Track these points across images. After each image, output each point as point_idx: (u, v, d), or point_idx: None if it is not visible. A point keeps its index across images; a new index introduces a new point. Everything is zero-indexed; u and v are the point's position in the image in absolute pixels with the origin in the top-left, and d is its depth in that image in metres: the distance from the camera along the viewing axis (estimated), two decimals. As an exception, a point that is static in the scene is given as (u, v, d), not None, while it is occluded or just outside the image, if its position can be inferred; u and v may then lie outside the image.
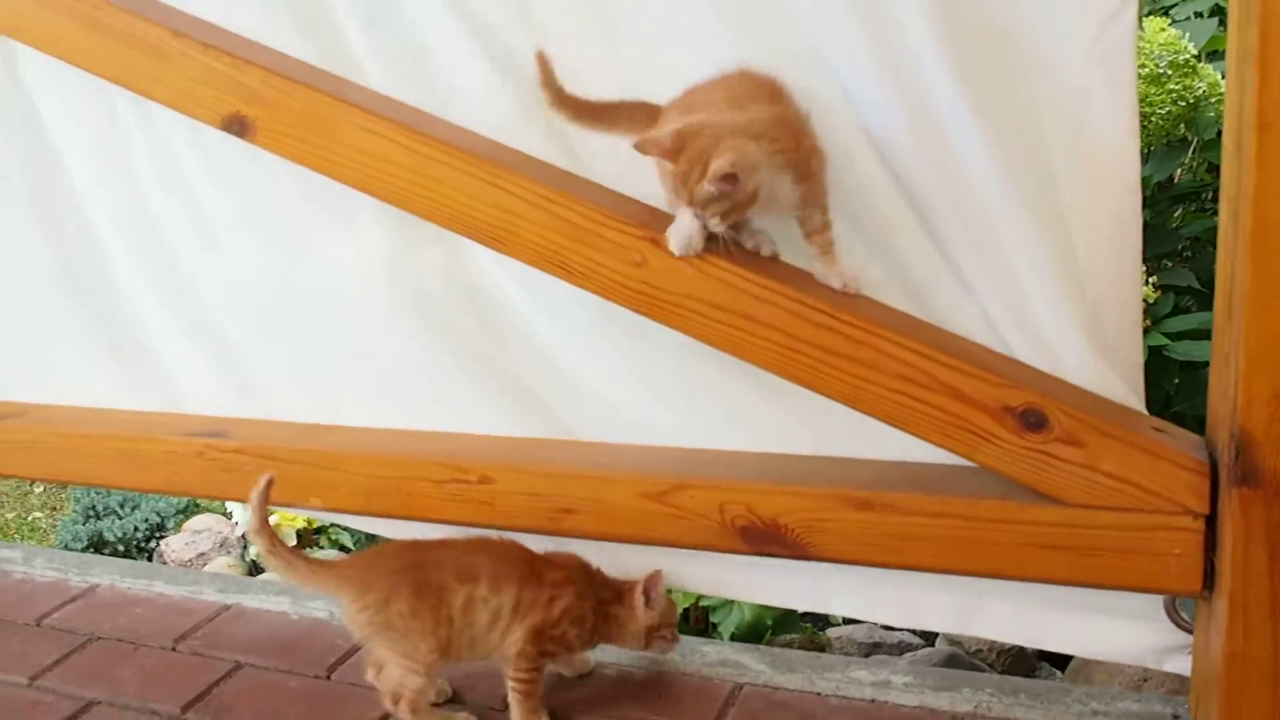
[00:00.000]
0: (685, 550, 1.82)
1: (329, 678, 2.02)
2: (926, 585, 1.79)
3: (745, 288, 1.63)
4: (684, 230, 1.63)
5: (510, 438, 1.99)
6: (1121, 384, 1.67)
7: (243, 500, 1.90)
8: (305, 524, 4.04)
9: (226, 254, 2.15)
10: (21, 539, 5.02)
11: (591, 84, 1.70)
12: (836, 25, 1.65)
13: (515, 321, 1.98)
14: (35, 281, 2.32)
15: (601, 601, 1.80)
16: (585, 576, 1.81)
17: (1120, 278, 1.67)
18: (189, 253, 2.18)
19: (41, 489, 5.45)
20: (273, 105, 1.83)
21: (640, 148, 1.58)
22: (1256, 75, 1.34)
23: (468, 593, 1.74)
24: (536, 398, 2.01)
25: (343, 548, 4.01)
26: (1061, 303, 1.64)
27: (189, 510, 4.48)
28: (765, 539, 1.73)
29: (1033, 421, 1.56)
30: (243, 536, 4.12)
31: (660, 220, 1.70)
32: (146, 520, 4.38)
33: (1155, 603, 1.70)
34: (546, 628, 1.75)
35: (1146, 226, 1.69)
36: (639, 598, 1.80)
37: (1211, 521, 1.53)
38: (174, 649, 2.14)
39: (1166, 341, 2.54)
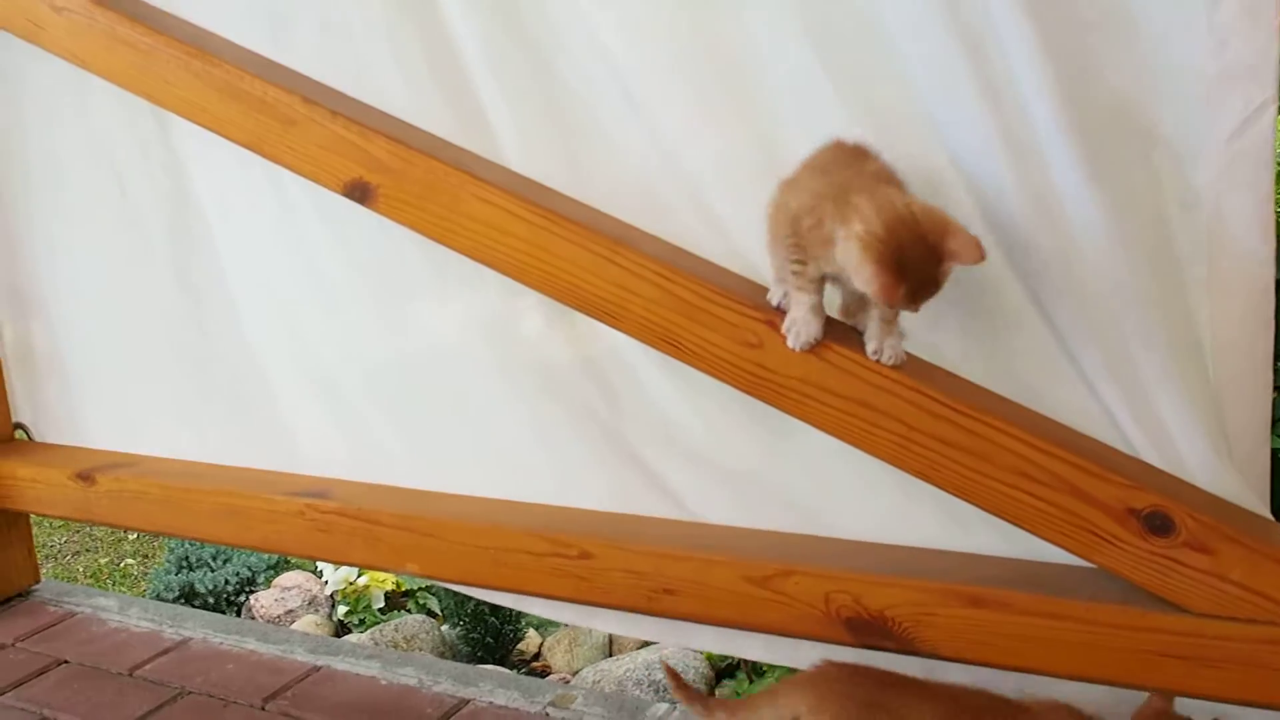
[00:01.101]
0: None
1: (417, 748, 2.00)
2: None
3: (862, 374, 1.60)
4: (805, 326, 1.60)
5: (614, 513, 1.97)
6: (1248, 490, 1.61)
7: (338, 562, 1.89)
8: (394, 586, 4.05)
9: (346, 317, 2.17)
10: (114, 585, 5.09)
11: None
12: (960, 109, 1.63)
13: (635, 393, 1.96)
14: (160, 333, 2.36)
15: None
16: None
17: (1249, 380, 1.62)
18: (311, 314, 2.21)
19: (135, 536, 5.53)
20: (395, 173, 1.85)
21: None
22: None
23: None
24: (650, 473, 1.99)
25: (430, 612, 4.00)
26: (1187, 403, 1.59)
27: (279, 566, 4.52)
28: (871, 631, 1.69)
29: (1158, 525, 1.51)
30: (331, 595, 4.14)
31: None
32: (237, 574, 4.43)
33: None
34: None
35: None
36: None
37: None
38: (263, 708, 2.14)
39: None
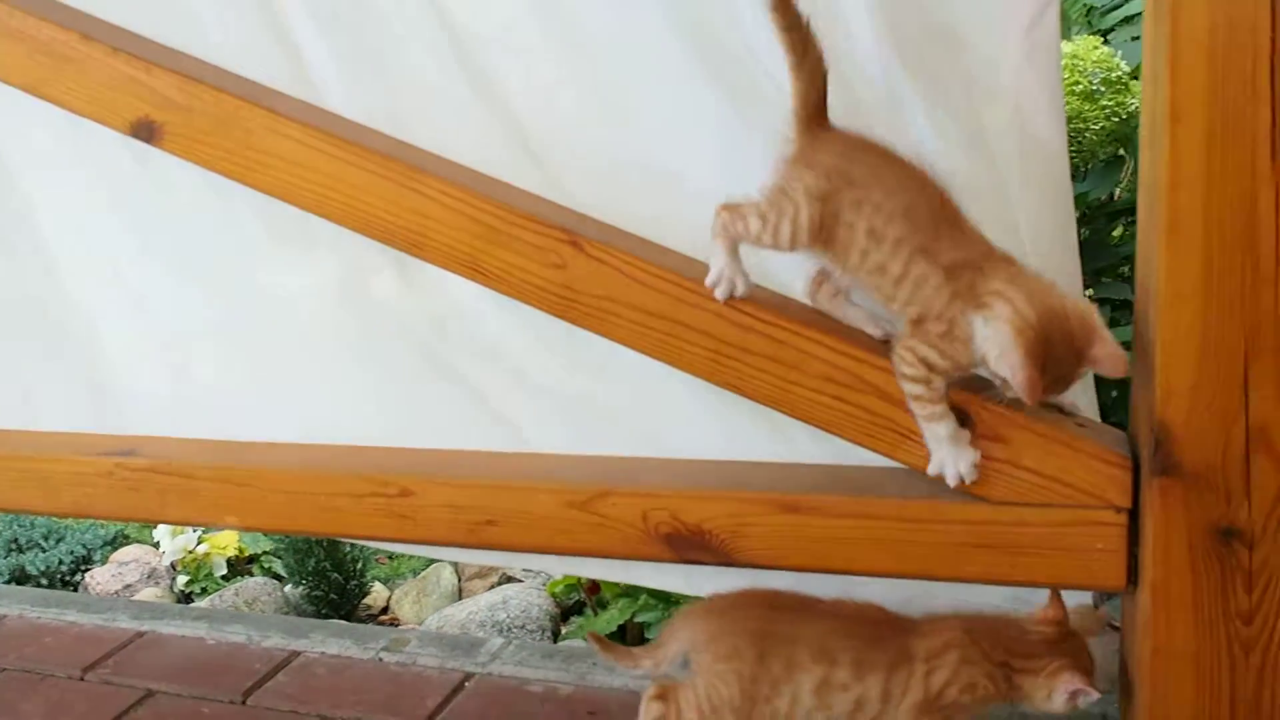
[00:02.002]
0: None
1: (244, 702, 1.97)
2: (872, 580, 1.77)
3: (667, 290, 1.61)
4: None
5: (434, 450, 1.95)
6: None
7: (154, 520, 1.84)
8: (238, 552, 3.95)
9: (170, 270, 2.10)
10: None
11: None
12: None
13: (469, 327, 1.94)
14: None
15: (1008, 667, 1.57)
16: (973, 639, 1.58)
17: (1061, 270, 1.67)
18: (135, 269, 2.13)
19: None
20: (183, 109, 1.78)
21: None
22: (1169, 69, 1.34)
23: (823, 674, 1.58)
24: (490, 407, 1.98)
25: (276, 575, 3.92)
26: None
27: (116, 542, 4.37)
28: (690, 545, 1.70)
29: (957, 418, 1.55)
30: (171, 566, 4.02)
31: (583, 224, 1.68)
32: (72, 553, 4.27)
33: (1083, 601, 1.69)
34: (930, 702, 1.57)
35: (1085, 243, 1.71)
36: (1059, 695, 1.55)
37: (1134, 516, 1.52)
38: (82, 678, 2.08)
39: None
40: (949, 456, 1.53)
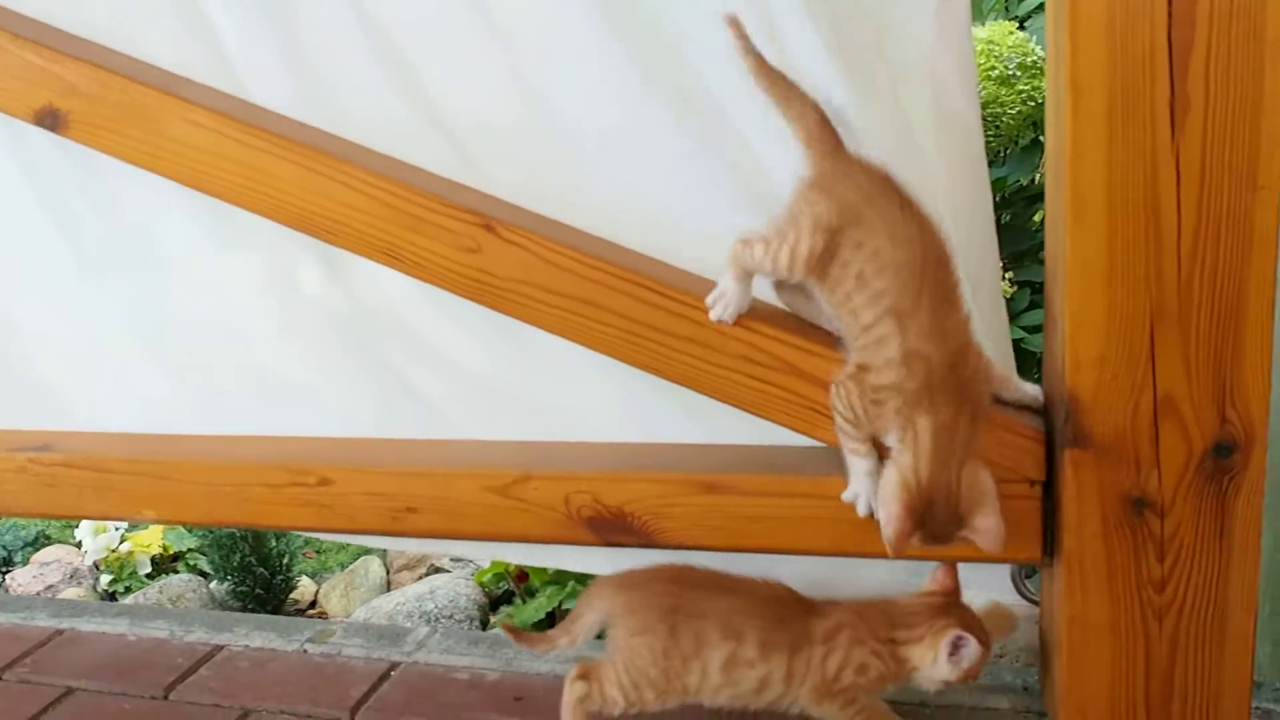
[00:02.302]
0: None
1: (166, 698, 1.93)
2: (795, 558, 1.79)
3: (580, 271, 1.61)
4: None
5: (351, 438, 1.93)
6: (995, 355, 1.66)
7: (70, 517, 1.81)
8: (162, 550, 3.90)
9: (93, 263, 2.07)
10: None
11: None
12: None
13: (393, 314, 1.93)
14: None
15: (893, 642, 1.59)
16: (862, 619, 1.61)
17: (978, 242, 1.69)
18: (58, 262, 2.08)
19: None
20: (89, 98, 1.75)
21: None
22: (1069, 41, 1.35)
23: (731, 651, 1.60)
24: (416, 393, 1.97)
25: (201, 573, 3.87)
26: None
27: (38, 542, 4.30)
28: (612, 528, 1.70)
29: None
30: (94, 565, 3.96)
31: (496, 208, 1.67)
32: (-9, 554, 4.20)
33: (1003, 576, 1.72)
34: (828, 685, 1.59)
35: (1005, 227, 1.72)
36: (943, 652, 1.56)
37: (1049, 489, 1.54)
38: (0, 677, 2.04)
39: (1023, 335, 2.59)
40: (864, 489, 1.53)
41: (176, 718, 1.88)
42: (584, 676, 1.65)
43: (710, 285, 1.62)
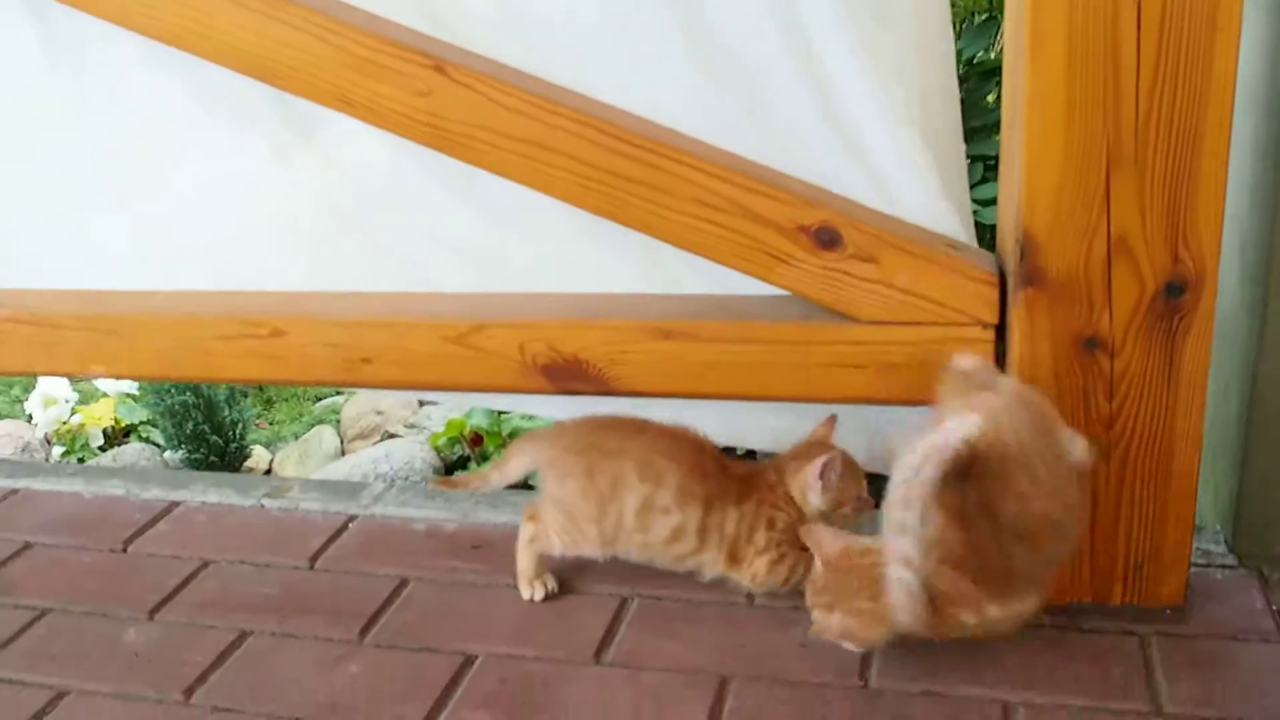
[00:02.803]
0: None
1: (125, 551, 1.94)
2: (754, 408, 1.80)
3: (536, 115, 1.58)
4: None
5: (304, 292, 1.91)
6: (955, 216, 1.66)
7: (19, 373, 1.78)
8: (114, 422, 3.87)
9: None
10: None
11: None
12: None
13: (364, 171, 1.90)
14: None
15: (786, 490, 1.65)
16: (761, 476, 1.67)
17: (944, 113, 1.68)
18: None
19: None
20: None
21: None
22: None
23: (647, 494, 1.63)
24: (394, 253, 1.95)
25: (156, 445, 3.86)
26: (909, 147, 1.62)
27: (-14, 416, 4.26)
28: (568, 376, 1.70)
29: (827, 239, 1.56)
30: (46, 439, 3.93)
31: (448, 50, 1.64)
32: (-60, 429, 4.15)
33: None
34: (742, 547, 1.66)
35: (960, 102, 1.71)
36: (812, 477, 1.63)
37: (1002, 333, 1.56)
38: (-44, 534, 2.03)
39: (977, 208, 2.58)
40: None
41: (136, 569, 1.88)
42: (533, 518, 1.70)
43: (666, 128, 1.61)
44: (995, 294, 1.55)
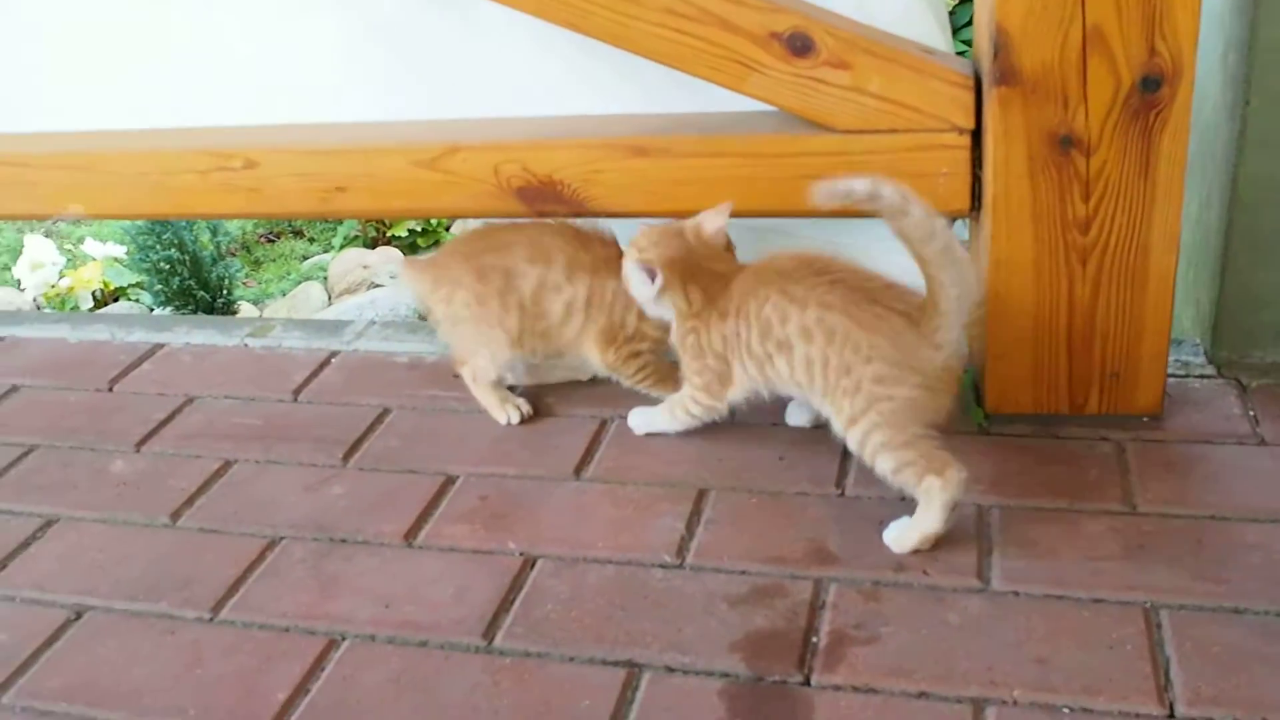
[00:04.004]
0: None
1: (111, 390, 1.95)
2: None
3: (500, -76, 1.55)
4: None
5: (278, 125, 1.89)
6: (931, 21, 1.63)
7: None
8: (102, 286, 3.88)
9: None
10: None
11: None
12: None
13: None
14: None
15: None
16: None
17: None
18: None
19: None
20: None
21: None
22: None
23: (539, 276, 1.66)
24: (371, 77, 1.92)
25: (146, 306, 3.87)
26: None
27: (-26, 276, 4.26)
28: (543, 197, 1.69)
29: (799, 46, 1.53)
30: (35, 303, 3.94)
31: None
32: (-70, 294, 4.15)
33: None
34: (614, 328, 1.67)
35: None
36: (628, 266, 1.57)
37: (978, 138, 1.54)
38: (-58, 379, 2.04)
39: (964, 47, 2.54)
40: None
41: (121, 406, 1.89)
42: (461, 362, 1.75)
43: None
44: (971, 98, 1.52)
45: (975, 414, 1.62)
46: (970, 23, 2.63)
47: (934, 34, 1.62)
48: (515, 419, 1.71)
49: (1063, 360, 1.58)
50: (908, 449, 1.37)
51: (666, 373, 1.67)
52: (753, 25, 1.54)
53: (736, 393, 1.55)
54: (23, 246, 3.88)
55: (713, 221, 1.56)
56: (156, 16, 1.95)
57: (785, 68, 1.55)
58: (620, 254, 1.61)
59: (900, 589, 1.33)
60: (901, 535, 1.39)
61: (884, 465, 1.39)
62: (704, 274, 1.54)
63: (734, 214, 1.66)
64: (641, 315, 1.63)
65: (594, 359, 1.69)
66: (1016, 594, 1.31)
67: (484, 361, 1.71)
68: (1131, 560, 1.34)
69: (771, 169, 1.61)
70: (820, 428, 1.53)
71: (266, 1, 1.86)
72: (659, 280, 1.52)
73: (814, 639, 1.26)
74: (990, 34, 1.43)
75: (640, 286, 1.54)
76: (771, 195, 1.62)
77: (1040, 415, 1.61)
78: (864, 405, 1.38)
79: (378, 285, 3.36)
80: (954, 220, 1.70)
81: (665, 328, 1.61)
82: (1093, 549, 1.36)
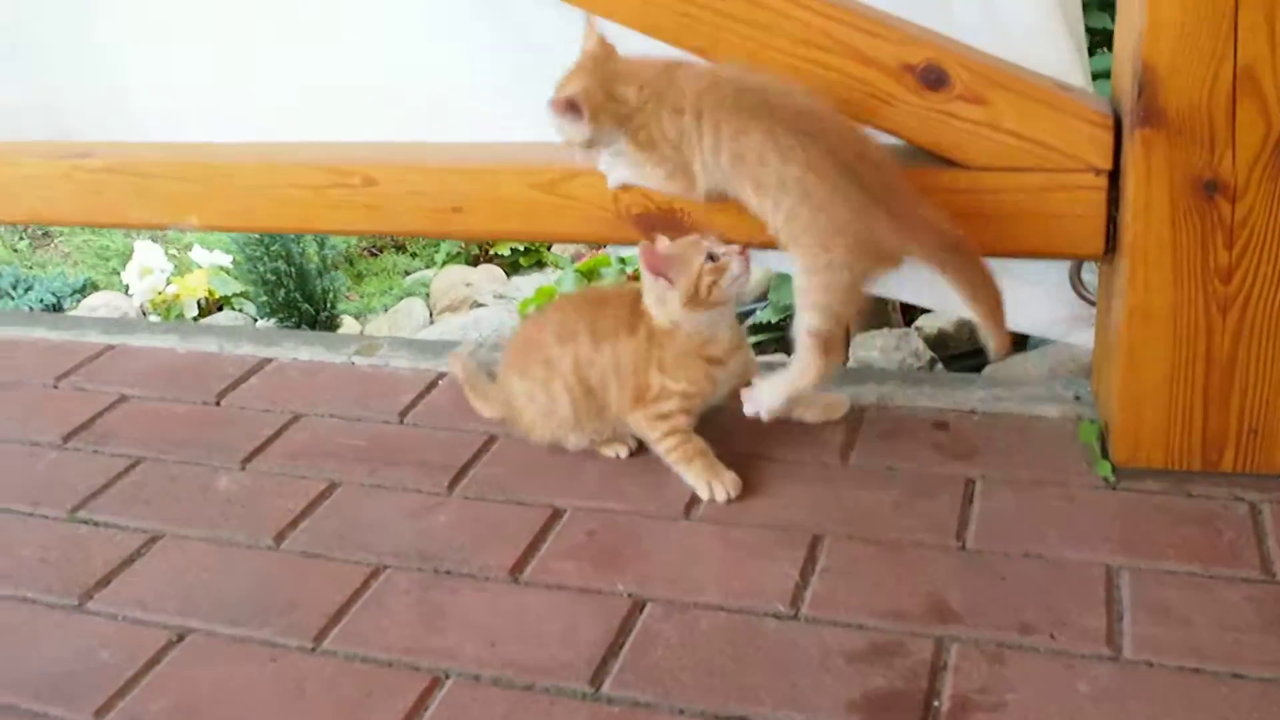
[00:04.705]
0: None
1: (218, 404, 1.95)
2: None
3: (632, -52, 1.53)
4: None
5: (394, 143, 1.88)
6: (1071, 56, 1.58)
7: (115, 224, 1.79)
8: (207, 294, 3.93)
9: None
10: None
11: None
12: None
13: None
14: None
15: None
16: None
17: None
18: None
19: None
20: None
21: None
22: None
23: (572, 353, 1.64)
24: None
25: (250, 316, 3.91)
26: None
27: (85, 289, 4.34)
28: (663, 225, 1.65)
29: (933, 79, 1.49)
30: (142, 309, 4.00)
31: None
32: (41, 300, 4.25)
33: (1061, 274, 1.67)
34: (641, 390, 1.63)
35: None
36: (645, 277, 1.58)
37: (1115, 180, 1.48)
38: (55, 386, 2.06)
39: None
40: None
41: (228, 420, 1.89)
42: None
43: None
44: (1109, 137, 1.47)
45: (1103, 467, 1.55)
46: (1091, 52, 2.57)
47: (1070, 66, 1.56)
48: (623, 454, 1.68)
49: (1198, 414, 1.51)
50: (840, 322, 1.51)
51: (696, 451, 1.60)
52: (886, 57, 1.50)
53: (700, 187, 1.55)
54: (132, 251, 3.94)
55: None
56: (283, 32, 1.97)
57: (918, 101, 1.51)
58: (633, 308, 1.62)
59: (1026, 652, 1.27)
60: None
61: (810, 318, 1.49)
62: (626, 79, 1.53)
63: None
64: (662, 368, 1.59)
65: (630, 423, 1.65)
66: (1150, 664, 1.24)
67: (538, 435, 1.70)
68: (1272, 634, 1.27)
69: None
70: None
71: (395, 20, 1.87)
72: (585, 112, 1.51)
73: (935, 703, 1.21)
74: (1134, 71, 1.37)
75: (573, 132, 1.54)
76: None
77: (1172, 471, 1.54)
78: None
79: (480, 305, 3.35)
80: (1085, 263, 1.65)
81: (691, 379, 1.59)
82: (1229, 618, 1.29)
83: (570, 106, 1.51)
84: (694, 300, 1.54)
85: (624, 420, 1.63)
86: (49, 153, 2.02)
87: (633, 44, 1.58)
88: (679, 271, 1.54)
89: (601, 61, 1.53)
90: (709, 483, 1.57)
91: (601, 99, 1.51)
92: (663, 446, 1.61)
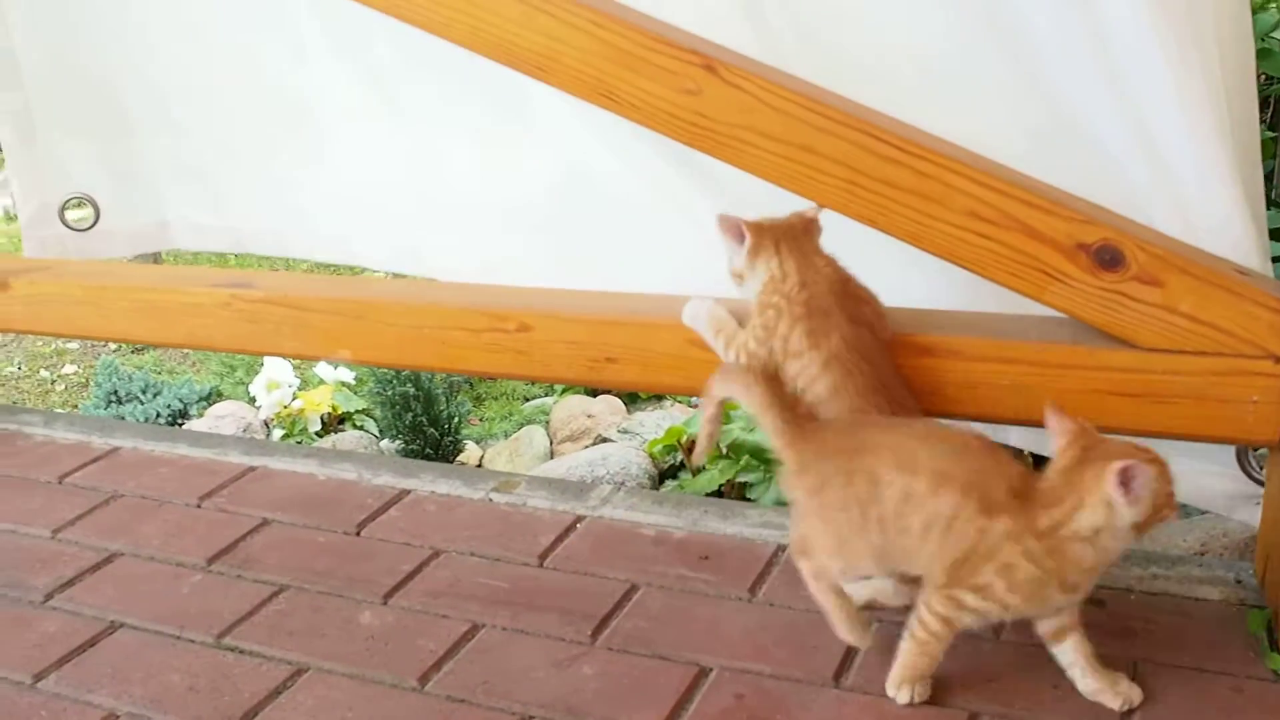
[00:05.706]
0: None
1: (358, 534, 1.97)
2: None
3: (805, 117, 1.55)
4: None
5: (549, 288, 1.91)
6: (1252, 241, 1.55)
7: (268, 353, 1.84)
8: (331, 409, 3.99)
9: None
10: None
11: None
12: None
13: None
14: None
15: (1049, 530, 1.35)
16: (1023, 508, 1.36)
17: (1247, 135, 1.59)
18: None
19: (73, 367, 5.40)
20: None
21: None
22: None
23: (905, 484, 1.39)
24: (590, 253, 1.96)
25: (371, 434, 3.96)
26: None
27: (212, 397, 4.43)
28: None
29: (1108, 259, 1.48)
30: (266, 422, 4.07)
31: (718, 50, 1.61)
32: (169, 406, 4.33)
33: (1227, 449, 1.63)
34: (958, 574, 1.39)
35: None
36: (1113, 492, 1.30)
37: (1294, 367, 1.46)
38: (199, 506, 2.09)
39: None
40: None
41: (369, 552, 1.91)
42: (804, 552, 1.51)
43: (937, 137, 1.55)
44: (1289, 324, 1.44)
45: (1272, 660, 1.50)
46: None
47: (1250, 251, 1.54)
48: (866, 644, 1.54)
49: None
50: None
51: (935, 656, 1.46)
52: (1059, 234, 1.49)
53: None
54: (261, 364, 4.03)
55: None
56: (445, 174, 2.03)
57: (1090, 280, 1.50)
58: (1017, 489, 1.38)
59: None
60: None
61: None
62: (799, 249, 1.55)
63: (1013, 422, 1.61)
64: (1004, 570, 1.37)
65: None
66: None
67: (829, 562, 1.49)
68: None
69: (1065, 381, 1.54)
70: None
71: (563, 162, 1.92)
72: (748, 241, 1.54)
73: None
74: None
75: (731, 256, 1.57)
76: (1065, 408, 1.54)
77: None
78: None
79: (606, 439, 3.36)
80: (1258, 450, 1.61)
81: (1029, 598, 1.38)
82: None
83: (736, 229, 1.55)
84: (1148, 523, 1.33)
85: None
86: (209, 280, 2.09)
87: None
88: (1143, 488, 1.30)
89: (796, 228, 1.56)
90: (913, 686, 1.46)
91: (768, 246, 1.54)
92: (924, 630, 1.44)
